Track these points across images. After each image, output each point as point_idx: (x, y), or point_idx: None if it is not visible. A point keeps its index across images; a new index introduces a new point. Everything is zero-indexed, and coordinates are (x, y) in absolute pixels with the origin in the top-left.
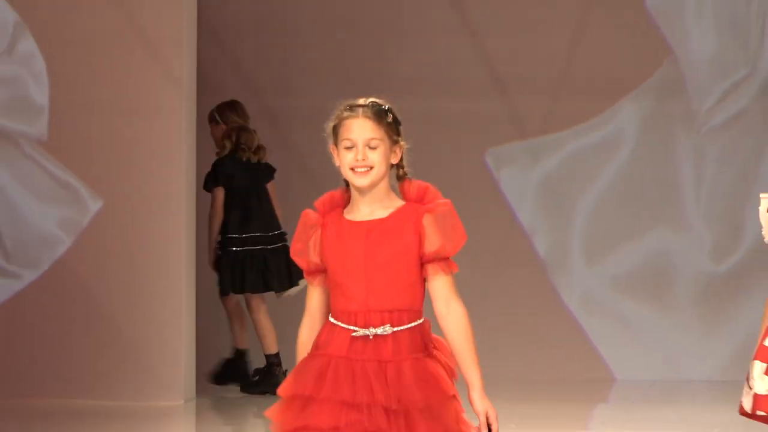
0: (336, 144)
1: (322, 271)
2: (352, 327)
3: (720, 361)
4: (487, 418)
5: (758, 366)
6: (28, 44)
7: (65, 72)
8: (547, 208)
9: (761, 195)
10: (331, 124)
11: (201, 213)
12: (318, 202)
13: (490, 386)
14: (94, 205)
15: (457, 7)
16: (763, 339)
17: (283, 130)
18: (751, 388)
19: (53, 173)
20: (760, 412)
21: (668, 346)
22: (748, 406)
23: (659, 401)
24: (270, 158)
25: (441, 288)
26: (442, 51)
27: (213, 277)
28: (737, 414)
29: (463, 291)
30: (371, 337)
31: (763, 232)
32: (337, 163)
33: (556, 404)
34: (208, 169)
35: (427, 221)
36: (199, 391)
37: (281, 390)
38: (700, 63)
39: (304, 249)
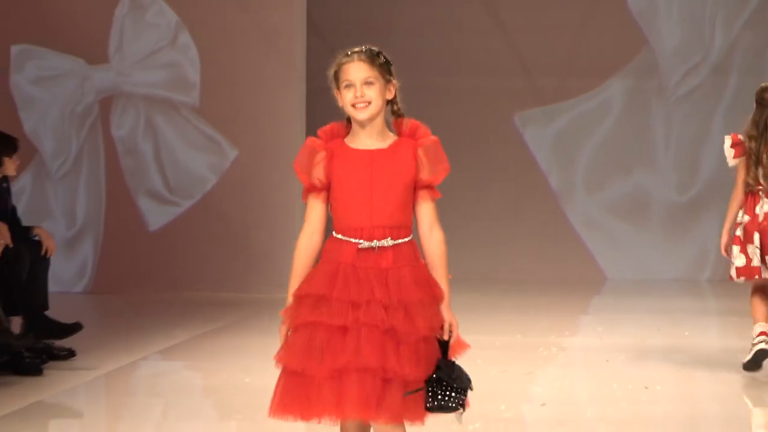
0: (338, 87)
1: (326, 188)
2: (358, 240)
3: (682, 265)
4: (450, 326)
5: (735, 249)
6: (185, 38)
7: (211, 57)
8: (558, 155)
9: (725, 136)
10: (332, 71)
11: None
12: (321, 131)
13: (518, 281)
14: (232, 154)
15: (494, 16)
16: (735, 230)
17: None
18: (733, 264)
19: (203, 130)
20: (740, 279)
21: (644, 253)
22: (733, 275)
23: (638, 293)
24: None
25: (427, 213)
26: (488, 48)
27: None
28: (693, 300)
29: (497, 214)
30: (375, 249)
31: (728, 161)
32: (340, 103)
33: (563, 294)
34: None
35: (421, 153)
36: None
37: (295, 292)
38: (668, 51)
39: (309, 166)
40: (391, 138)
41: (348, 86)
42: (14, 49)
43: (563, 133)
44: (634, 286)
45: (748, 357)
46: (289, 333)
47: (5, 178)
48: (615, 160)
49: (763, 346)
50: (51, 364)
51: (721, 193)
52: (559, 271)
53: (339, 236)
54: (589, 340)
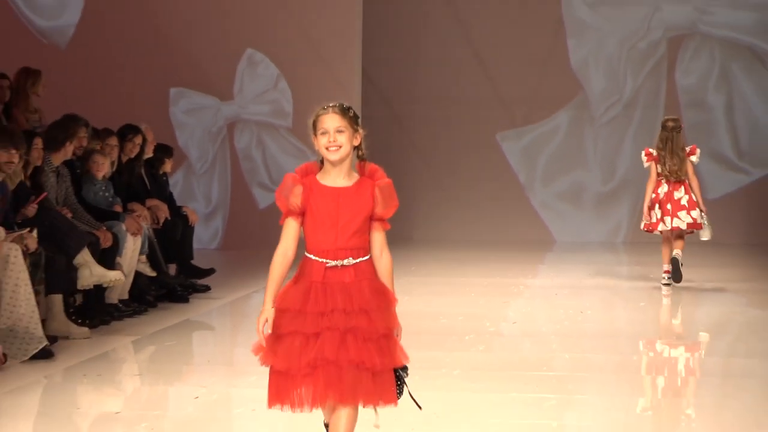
0: (315, 133)
1: (302, 213)
2: (326, 260)
3: (605, 232)
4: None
5: (646, 213)
6: (282, 84)
7: (298, 96)
8: (525, 161)
9: (643, 149)
10: (311, 120)
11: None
12: (297, 169)
13: (497, 242)
14: (312, 159)
15: (475, 55)
16: (650, 208)
17: (408, 132)
18: (643, 221)
19: (294, 144)
20: (646, 230)
21: (580, 224)
22: (642, 228)
23: (576, 251)
24: (395, 155)
25: (378, 240)
26: (481, 89)
27: None
28: (612, 254)
29: (485, 200)
30: (339, 266)
31: (644, 164)
32: (316, 147)
33: (527, 251)
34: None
35: (378, 192)
36: None
37: (278, 305)
38: (596, 93)
39: (288, 196)
40: (355, 178)
41: (323, 133)
42: (172, 90)
43: (528, 146)
44: (573, 246)
45: (664, 282)
46: (272, 338)
47: (165, 174)
48: (561, 164)
49: (667, 278)
50: (194, 295)
51: (629, 186)
52: (524, 236)
53: (311, 256)
54: (545, 280)
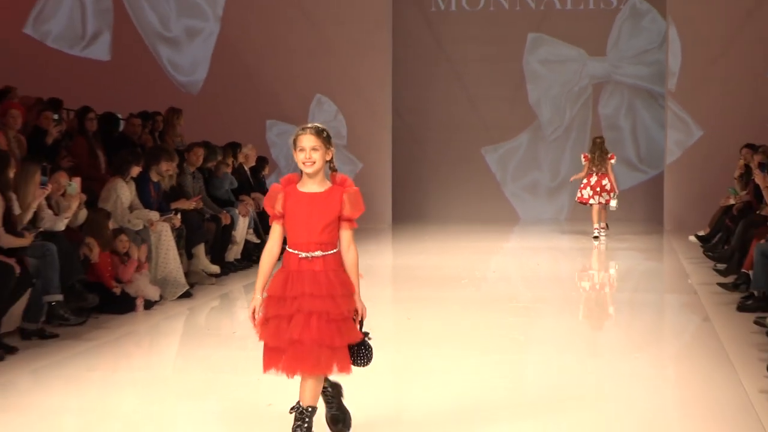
0: (295, 149)
1: (282, 217)
2: (299, 252)
3: (553, 211)
4: (362, 313)
5: (579, 192)
6: (340, 116)
7: (351, 121)
8: (501, 167)
9: (581, 154)
10: (292, 139)
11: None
12: (282, 179)
13: (480, 220)
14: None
15: (468, 96)
16: (581, 189)
17: (422, 148)
18: (578, 196)
19: (348, 156)
20: (579, 202)
21: (537, 207)
22: (576, 200)
23: (534, 225)
24: (413, 164)
25: (346, 236)
26: (469, 116)
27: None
28: (558, 226)
29: (473, 192)
30: (310, 258)
31: (582, 163)
32: (296, 160)
33: (502, 226)
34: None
35: (345, 198)
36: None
37: (268, 292)
38: (545, 119)
39: (273, 204)
40: (327, 185)
41: (301, 150)
42: (268, 121)
43: (502, 156)
44: (533, 222)
45: (594, 236)
46: (263, 319)
47: (263, 176)
48: (524, 168)
49: (596, 234)
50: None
51: (567, 183)
52: (499, 215)
53: (289, 250)
54: (513, 244)
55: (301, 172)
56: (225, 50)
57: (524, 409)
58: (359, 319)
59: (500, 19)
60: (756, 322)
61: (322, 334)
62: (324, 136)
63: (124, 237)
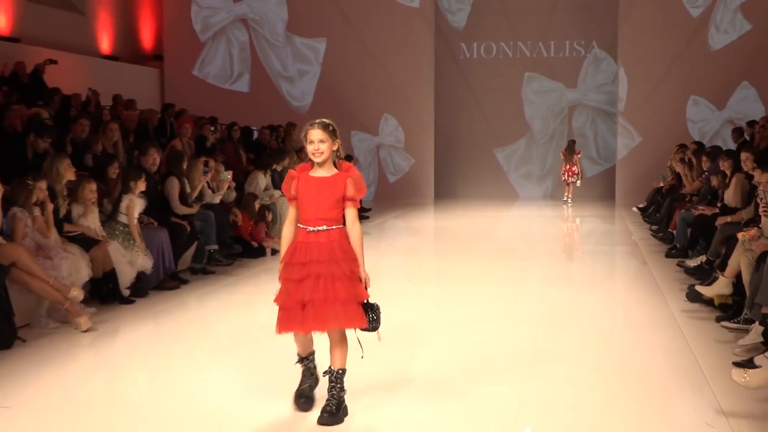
0: (306, 142)
1: (296, 198)
2: (307, 226)
3: (541, 192)
4: (366, 282)
5: (561, 171)
6: (399, 129)
7: (407, 130)
8: (507, 162)
9: (561, 152)
10: (303, 133)
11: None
12: (297, 167)
13: (489, 196)
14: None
15: (483, 114)
16: (562, 174)
17: (453, 150)
18: (562, 178)
19: (406, 156)
20: (563, 180)
21: (530, 188)
22: (562, 180)
23: (529, 201)
24: (447, 160)
25: (350, 214)
26: (484, 127)
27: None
28: (545, 202)
29: (486, 179)
30: (316, 231)
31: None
32: (307, 151)
33: (506, 202)
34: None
35: (349, 182)
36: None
37: (282, 260)
38: (537, 131)
39: (288, 188)
40: (333, 171)
41: (310, 142)
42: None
43: (508, 155)
44: (528, 199)
45: (564, 200)
46: (281, 283)
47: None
48: (522, 162)
49: (566, 200)
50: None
51: (551, 173)
52: (505, 194)
53: (300, 225)
54: (515, 213)
55: (312, 161)
56: (324, 85)
57: (519, 322)
58: (364, 286)
59: (506, 63)
60: (678, 265)
61: (328, 292)
62: (330, 130)
63: (257, 204)
